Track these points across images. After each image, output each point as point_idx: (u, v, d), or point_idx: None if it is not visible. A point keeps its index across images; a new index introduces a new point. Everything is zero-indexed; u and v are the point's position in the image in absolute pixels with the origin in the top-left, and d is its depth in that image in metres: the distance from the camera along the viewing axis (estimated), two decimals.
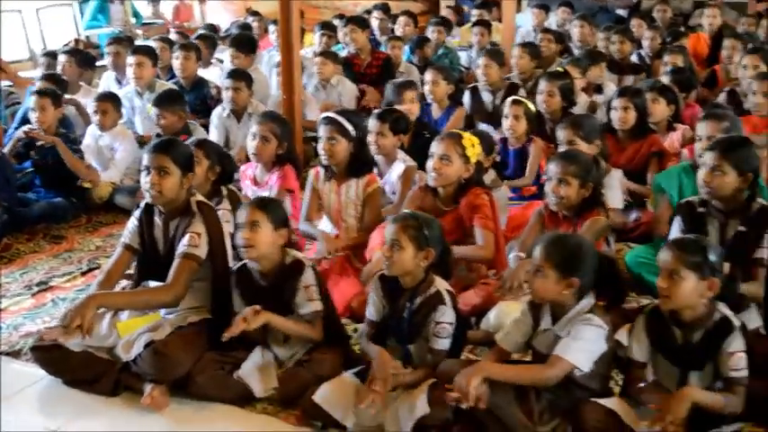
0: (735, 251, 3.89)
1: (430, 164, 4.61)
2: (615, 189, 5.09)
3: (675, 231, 4.16)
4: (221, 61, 9.14)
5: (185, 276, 3.91)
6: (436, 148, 4.62)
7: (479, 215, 4.52)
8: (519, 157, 6.03)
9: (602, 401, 3.34)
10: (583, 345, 3.35)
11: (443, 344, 3.64)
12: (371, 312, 3.85)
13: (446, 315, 3.64)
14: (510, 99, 6.14)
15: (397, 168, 5.46)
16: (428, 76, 7.12)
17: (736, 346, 3.30)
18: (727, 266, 3.49)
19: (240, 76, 6.98)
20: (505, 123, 6.02)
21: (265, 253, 3.86)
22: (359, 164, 4.95)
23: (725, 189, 4.02)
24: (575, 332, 3.37)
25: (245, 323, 3.69)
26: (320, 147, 4.93)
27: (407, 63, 9.20)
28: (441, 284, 3.72)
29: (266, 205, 3.92)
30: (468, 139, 4.62)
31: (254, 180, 5.41)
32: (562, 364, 3.34)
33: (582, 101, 7.23)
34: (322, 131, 4.91)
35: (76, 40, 10.66)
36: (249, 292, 3.95)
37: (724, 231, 3.94)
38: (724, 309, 3.39)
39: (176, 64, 7.94)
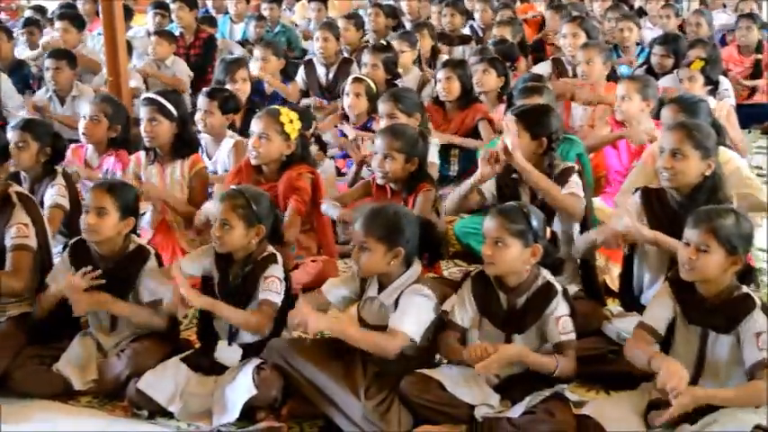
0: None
1: (250, 142, 4.56)
2: (431, 155, 5.19)
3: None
4: None
5: (26, 267, 3.81)
6: (255, 125, 4.58)
7: (296, 197, 4.52)
8: None
9: (426, 372, 3.38)
10: (416, 315, 3.38)
11: (273, 297, 3.57)
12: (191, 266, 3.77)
13: (276, 271, 3.62)
14: (351, 77, 6.15)
15: (226, 145, 5.37)
16: (257, 53, 7.05)
17: (560, 310, 3.39)
18: (548, 231, 3.58)
19: (62, 56, 6.71)
20: (346, 101, 6.01)
21: (108, 239, 3.76)
22: (183, 144, 4.82)
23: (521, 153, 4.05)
24: (406, 302, 3.39)
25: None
26: (142, 129, 4.79)
27: (224, 39, 9.11)
28: (272, 249, 3.71)
29: (115, 190, 3.80)
30: (286, 114, 4.58)
31: (84, 163, 5.22)
32: (401, 336, 3.34)
33: (412, 75, 7.30)
34: (143, 113, 4.77)
35: None
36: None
37: (534, 196, 4.03)
38: (547, 275, 3.47)
39: None
